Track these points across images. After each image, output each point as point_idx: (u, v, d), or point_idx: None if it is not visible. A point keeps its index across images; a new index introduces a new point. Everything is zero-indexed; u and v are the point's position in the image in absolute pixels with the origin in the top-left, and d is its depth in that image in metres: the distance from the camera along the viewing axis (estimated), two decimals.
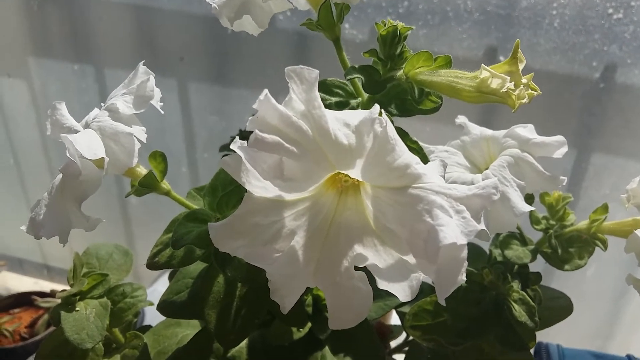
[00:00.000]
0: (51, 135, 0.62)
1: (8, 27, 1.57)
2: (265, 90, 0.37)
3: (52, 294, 1.63)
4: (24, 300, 1.62)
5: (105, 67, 1.55)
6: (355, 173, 0.41)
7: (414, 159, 0.40)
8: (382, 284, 0.43)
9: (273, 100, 0.37)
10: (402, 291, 0.43)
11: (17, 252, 1.94)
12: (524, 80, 0.44)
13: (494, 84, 0.43)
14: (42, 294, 1.64)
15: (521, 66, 0.44)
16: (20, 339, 1.48)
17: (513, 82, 0.43)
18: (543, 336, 1.43)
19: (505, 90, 0.43)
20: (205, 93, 1.51)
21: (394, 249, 0.41)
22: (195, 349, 0.67)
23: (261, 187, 0.41)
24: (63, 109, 0.62)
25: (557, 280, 1.39)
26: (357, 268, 0.43)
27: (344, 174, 0.43)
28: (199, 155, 1.61)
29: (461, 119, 0.73)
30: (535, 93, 0.44)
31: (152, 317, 0.85)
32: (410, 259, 0.41)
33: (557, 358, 1.11)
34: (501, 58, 1.22)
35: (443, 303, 0.40)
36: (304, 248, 0.43)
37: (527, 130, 0.64)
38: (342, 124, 0.40)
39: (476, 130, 0.70)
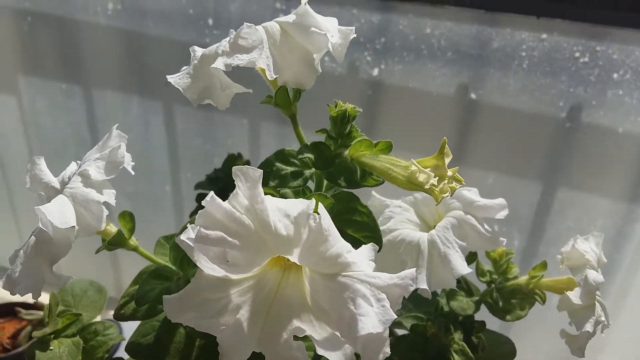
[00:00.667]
0: (30, 188, 0.67)
1: None
2: (211, 192, 0.41)
3: (36, 306, 1.66)
4: (8, 310, 1.64)
5: (93, 88, 1.59)
6: (294, 258, 0.46)
7: (345, 248, 0.45)
8: (320, 351, 0.48)
9: (219, 200, 0.42)
10: (337, 358, 0.48)
11: (4, 262, 1.97)
12: (449, 173, 0.49)
13: (421, 178, 0.48)
14: (26, 305, 1.67)
15: (447, 160, 0.49)
16: (3, 349, 1.51)
17: (438, 177, 0.48)
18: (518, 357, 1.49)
19: (429, 186, 0.48)
20: (190, 116, 1.55)
21: (328, 325, 0.46)
22: None
23: (210, 268, 0.45)
24: (42, 164, 0.66)
25: None
26: (296, 337, 0.48)
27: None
28: (182, 174, 1.65)
29: None
30: (459, 185, 0.49)
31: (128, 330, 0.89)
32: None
33: None
34: (472, 95, 1.28)
35: None
36: (249, 321, 0.47)
37: (471, 193, 0.68)
38: (283, 214, 0.44)
39: None
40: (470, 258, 0.67)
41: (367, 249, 0.46)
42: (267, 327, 0.48)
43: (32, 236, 0.58)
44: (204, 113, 1.51)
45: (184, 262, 0.61)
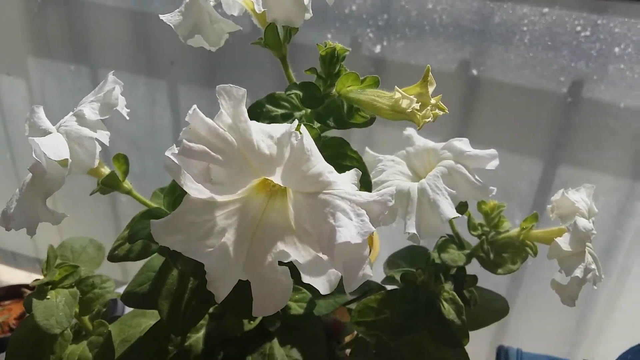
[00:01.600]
0: (29, 135, 0.68)
1: (9, 27, 1.64)
2: (194, 106, 0.42)
3: None
4: (15, 292, 1.67)
5: (100, 68, 1.61)
6: (276, 179, 0.46)
7: (326, 169, 0.45)
8: (305, 278, 0.49)
9: (202, 115, 0.43)
10: (321, 285, 0.48)
11: (10, 246, 2.00)
12: (432, 101, 0.49)
13: (404, 104, 0.49)
14: (32, 287, 1.69)
15: (431, 89, 0.50)
16: (10, 330, 1.54)
17: (421, 103, 0.49)
18: (511, 341, 1.49)
19: (411, 110, 0.48)
20: (194, 96, 1.57)
21: (311, 247, 0.47)
22: (155, 338, 0.73)
23: (195, 189, 0.46)
24: (40, 112, 0.68)
25: (525, 286, 1.44)
26: (281, 264, 0.49)
27: (271, 180, 0.49)
28: None
29: (408, 131, 0.78)
30: (441, 113, 0.49)
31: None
32: (324, 255, 0.47)
33: None
34: (474, 72, 1.28)
35: (348, 294, 0.45)
36: (234, 244, 0.48)
37: (462, 143, 0.69)
38: (266, 135, 0.45)
39: (420, 142, 0.76)
40: (461, 208, 0.67)
41: (351, 174, 0.47)
42: (252, 251, 0.48)
43: (28, 176, 0.59)
44: (207, 91, 1.53)
45: (177, 202, 0.62)
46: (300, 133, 0.45)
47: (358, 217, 0.43)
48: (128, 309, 0.88)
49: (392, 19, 1.30)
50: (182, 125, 1.61)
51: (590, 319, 1.44)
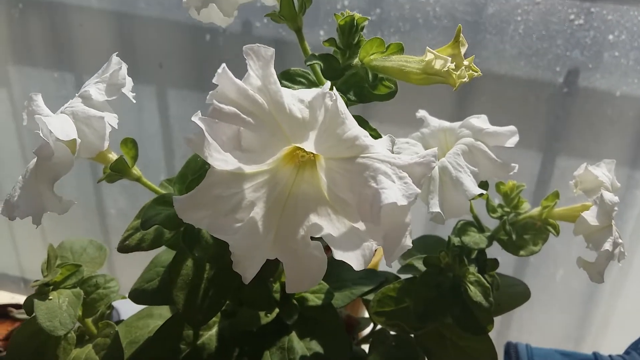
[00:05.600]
0: (27, 125, 0.64)
1: None
2: (223, 65, 0.40)
3: None
4: (0, 312, 1.60)
5: (85, 75, 1.57)
6: (309, 145, 0.44)
7: (362, 132, 0.43)
8: (337, 254, 0.46)
9: (231, 74, 0.40)
10: (355, 260, 0.46)
11: None
12: (465, 62, 0.47)
13: (437, 65, 0.47)
14: (18, 306, 1.63)
15: (463, 49, 0.48)
16: None
17: (454, 63, 0.47)
18: (515, 337, 1.47)
19: (447, 69, 0.46)
20: (184, 99, 1.54)
21: (346, 218, 0.44)
22: (165, 337, 0.69)
23: (222, 160, 0.43)
24: (39, 100, 0.64)
25: (528, 283, 1.43)
26: (313, 239, 0.46)
27: (301, 149, 0.46)
28: (177, 162, 1.63)
29: (421, 113, 0.76)
30: (476, 74, 0.47)
31: (127, 315, 0.87)
32: (361, 226, 0.44)
33: (526, 357, 1.14)
34: None
35: (390, 267, 0.43)
36: (264, 219, 0.45)
37: (480, 121, 0.67)
38: (296, 99, 0.43)
39: (435, 122, 0.74)
40: (481, 187, 0.65)
41: (385, 140, 0.45)
42: (282, 225, 0.45)
43: (32, 161, 0.56)
44: (197, 95, 1.50)
45: (190, 188, 0.59)
46: (334, 95, 0.42)
47: (401, 180, 0.40)
48: (126, 316, 0.84)
49: (385, 13, 1.29)
50: (172, 132, 1.58)
51: (594, 314, 1.43)
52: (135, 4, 1.44)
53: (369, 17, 1.27)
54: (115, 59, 0.60)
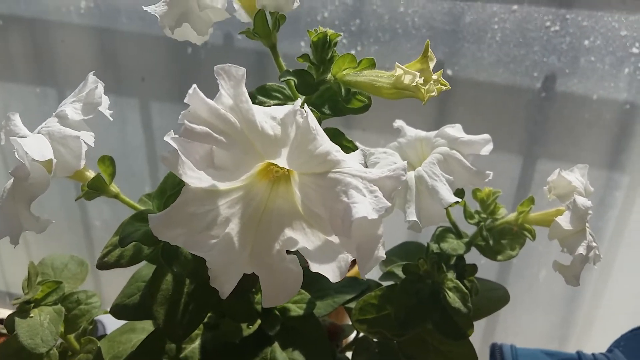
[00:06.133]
0: (6, 145, 0.65)
1: None
2: (194, 85, 0.40)
3: None
4: None
5: (67, 90, 1.57)
6: (282, 161, 0.44)
7: (334, 147, 0.44)
8: (313, 267, 0.46)
9: (202, 95, 0.41)
10: (331, 272, 0.46)
11: None
12: (434, 77, 0.49)
13: (406, 80, 0.48)
14: (2, 321, 1.61)
15: (432, 64, 0.49)
16: None
17: (423, 78, 0.48)
18: (501, 338, 1.48)
19: (415, 84, 0.47)
20: (167, 112, 1.54)
21: (321, 231, 0.45)
22: (148, 351, 0.69)
23: (196, 178, 0.44)
24: (17, 119, 0.64)
25: (511, 285, 1.44)
26: (289, 253, 0.47)
27: (275, 165, 0.47)
28: (161, 174, 1.63)
29: (398, 123, 0.77)
30: (444, 87, 0.48)
31: (112, 328, 0.87)
32: (335, 239, 0.45)
33: (511, 357, 1.15)
34: (449, 72, 1.29)
35: (364, 278, 0.43)
36: (239, 234, 0.46)
37: (455, 130, 0.68)
38: (269, 117, 0.43)
39: (411, 132, 0.75)
40: (458, 195, 0.66)
41: (357, 154, 0.46)
42: (258, 240, 0.46)
43: (9, 182, 0.56)
44: (180, 107, 1.50)
45: (168, 203, 0.59)
46: (305, 112, 0.43)
47: (371, 194, 0.41)
48: (111, 329, 0.84)
49: (364, 23, 1.30)
50: (156, 144, 1.57)
51: (577, 314, 1.45)
52: (117, 19, 1.45)
53: (347, 29, 1.29)
54: (91, 77, 0.60)
